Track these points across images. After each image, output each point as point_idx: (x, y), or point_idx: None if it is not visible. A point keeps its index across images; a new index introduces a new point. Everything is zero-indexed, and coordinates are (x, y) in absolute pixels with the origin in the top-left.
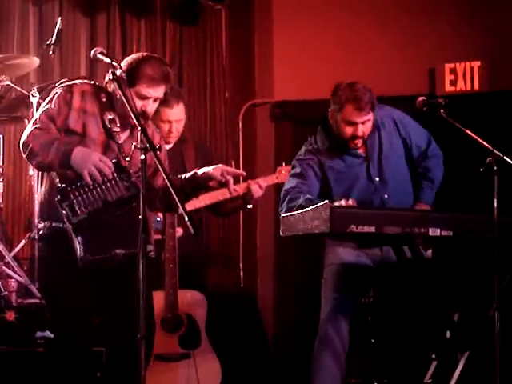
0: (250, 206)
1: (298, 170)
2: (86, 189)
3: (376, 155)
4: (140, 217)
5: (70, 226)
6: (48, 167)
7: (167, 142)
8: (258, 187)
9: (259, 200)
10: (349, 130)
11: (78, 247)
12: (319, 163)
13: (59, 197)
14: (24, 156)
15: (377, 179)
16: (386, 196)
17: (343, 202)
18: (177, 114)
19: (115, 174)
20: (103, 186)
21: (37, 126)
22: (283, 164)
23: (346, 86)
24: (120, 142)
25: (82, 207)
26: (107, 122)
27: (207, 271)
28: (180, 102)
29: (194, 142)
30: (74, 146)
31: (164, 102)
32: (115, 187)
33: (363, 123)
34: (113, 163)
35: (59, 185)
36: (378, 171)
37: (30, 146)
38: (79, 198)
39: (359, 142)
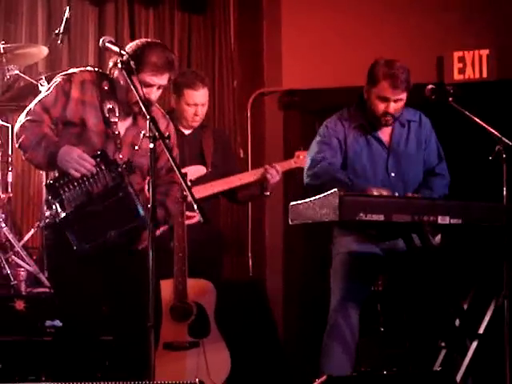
0: (267, 194)
1: (324, 138)
2: (75, 183)
3: (399, 150)
4: (149, 206)
5: (58, 222)
6: (37, 166)
7: (191, 126)
8: (275, 172)
9: None
10: (381, 106)
11: (72, 239)
12: (344, 135)
13: (50, 194)
14: (16, 146)
15: (392, 174)
16: (396, 194)
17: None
18: (202, 97)
19: (102, 166)
20: (91, 180)
21: (29, 118)
22: (301, 148)
23: (384, 63)
24: (116, 132)
25: (71, 202)
26: (106, 112)
27: (222, 258)
28: (205, 86)
29: (212, 127)
30: (62, 146)
31: (189, 85)
32: (102, 179)
33: (395, 101)
34: (98, 154)
35: (47, 181)
36: (396, 167)
37: (21, 140)
38: (67, 194)
39: (390, 119)
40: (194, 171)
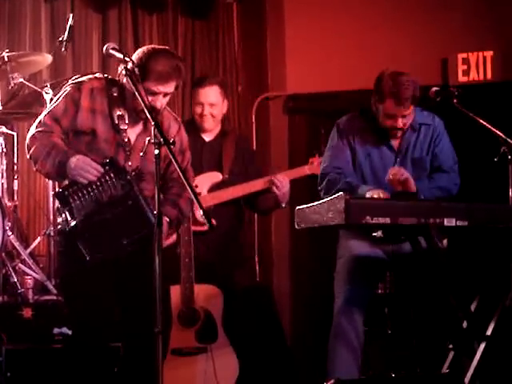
0: (283, 205)
1: (335, 140)
2: (84, 191)
3: (407, 155)
4: (155, 212)
5: (68, 230)
6: (46, 176)
7: (205, 130)
8: (279, 182)
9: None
10: (389, 122)
11: (84, 249)
12: (353, 136)
13: (59, 202)
14: (28, 157)
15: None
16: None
17: (381, 195)
18: (208, 95)
19: (112, 174)
20: (100, 188)
21: (39, 129)
22: (315, 154)
23: (389, 78)
24: (126, 139)
25: (81, 210)
26: (115, 119)
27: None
28: (214, 85)
29: (235, 136)
30: (70, 156)
31: (196, 84)
32: (111, 187)
33: (403, 116)
34: (107, 162)
35: (57, 190)
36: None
37: (31, 151)
38: (77, 202)
39: (399, 133)
40: (209, 177)
